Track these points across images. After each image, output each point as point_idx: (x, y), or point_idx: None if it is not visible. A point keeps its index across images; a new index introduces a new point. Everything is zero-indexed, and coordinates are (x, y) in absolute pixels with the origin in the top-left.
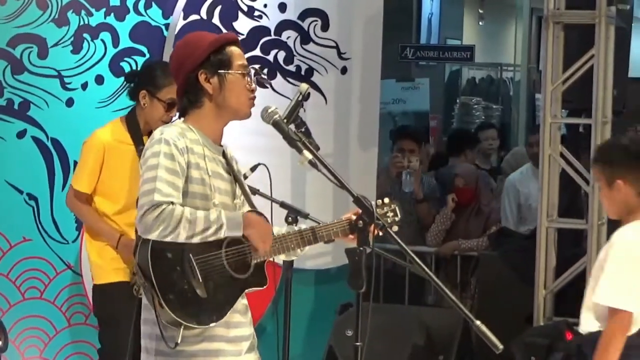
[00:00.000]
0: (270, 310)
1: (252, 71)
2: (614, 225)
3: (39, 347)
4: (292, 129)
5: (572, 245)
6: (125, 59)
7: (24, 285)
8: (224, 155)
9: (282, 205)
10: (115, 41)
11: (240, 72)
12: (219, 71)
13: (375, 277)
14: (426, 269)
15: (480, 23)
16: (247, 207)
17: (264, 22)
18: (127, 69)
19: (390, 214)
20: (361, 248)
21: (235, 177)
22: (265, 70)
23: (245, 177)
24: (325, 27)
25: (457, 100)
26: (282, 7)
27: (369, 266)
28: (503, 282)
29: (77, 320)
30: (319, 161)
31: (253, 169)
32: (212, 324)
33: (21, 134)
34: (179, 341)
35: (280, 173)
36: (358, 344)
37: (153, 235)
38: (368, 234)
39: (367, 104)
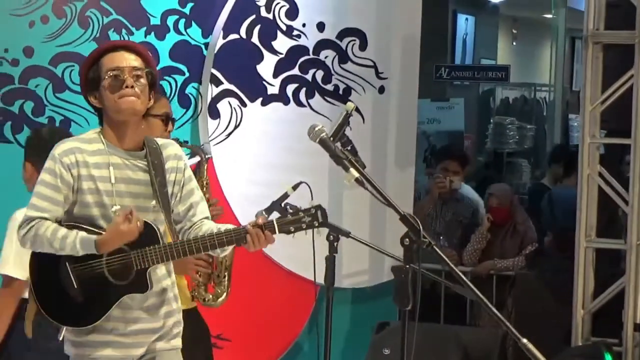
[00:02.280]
0: (306, 330)
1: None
2: None
3: None
4: (339, 147)
5: (611, 266)
6: (165, 77)
7: None
8: (148, 158)
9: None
10: (156, 60)
11: (108, 79)
12: (95, 87)
13: (414, 296)
14: (473, 287)
15: (514, 43)
16: (159, 216)
17: (302, 41)
18: (167, 87)
19: (306, 219)
20: (407, 266)
21: (155, 180)
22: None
23: (287, 195)
24: (363, 46)
25: (491, 120)
26: (321, 27)
27: (413, 285)
28: (540, 302)
29: None
30: (366, 179)
31: (295, 187)
32: (88, 326)
33: None
34: (60, 338)
35: (318, 192)
36: None
37: (26, 247)
38: (414, 252)
39: (404, 124)
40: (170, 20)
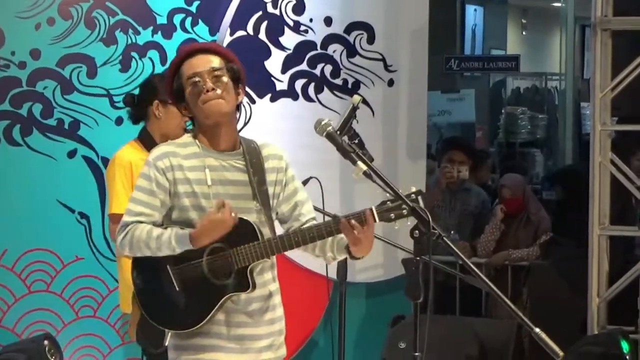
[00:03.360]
0: (321, 325)
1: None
2: None
3: None
4: (346, 140)
5: (625, 253)
6: None
7: (77, 304)
8: (245, 157)
9: (335, 218)
10: (163, 59)
11: (190, 87)
12: (181, 96)
13: (428, 290)
14: (484, 278)
15: (524, 33)
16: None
17: (310, 36)
18: None
19: (401, 208)
20: (418, 258)
21: (253, 179)
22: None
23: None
24: (371, 40)
25: (503, 111)
26: (328, 21)
27: (425, 277)
28: (555, 291)
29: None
30: (374, 172)
31: (305, 182)
32: (192, 329)
33: (72, 154)
34: (166, 343)
35: (329, 186)
36: (417, 354)
37: (125, 253)
38: (424, 244)
39: (414, 116)
40: (177, 19)
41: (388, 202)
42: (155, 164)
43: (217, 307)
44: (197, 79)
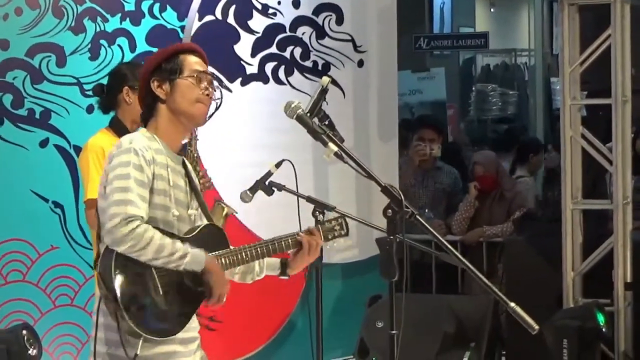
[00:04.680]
0: (299, 307)
1: (210, 78)
2: (636, 205)
3: (73, 354)
4: (316, 122)
5: (599, 226)
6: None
7: (54, 293)
8: (184, 165)
9: (309, 199)
10: (132, 46)
11: (191, 78)
12: (170, 77)
13: (403, 268)
14: (459, 255)
15: (492, 10)
16: (204, 220)
17: (278, 19)
18: None
19: (337, 227)
20: (391, 237)
21: (192, 188)
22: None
23: (271, 173)
24: (339, 21)
25: (473, 88)
26: (296, 4)
27: (400, 256)
28: (530, 266)
29: None
30: (345, 153)
31: (278, 165)
32: (171, 336)
33: (44, 143)
34: (138, 352)
35: (303, 169)
36: (393, 332)
37: (120, 249)
38: (397, 223)
39: (385, 96)
40: (145, 5)
41: (325, 224)
42: (143, 154)
43: (195, 313)
44: (203, 76)
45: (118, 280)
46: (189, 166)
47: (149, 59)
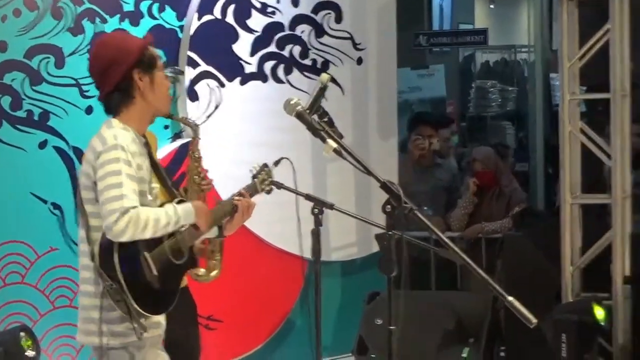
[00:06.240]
0: (298, 305)
1: (168, 70)
2: (635, 199)
3: (72, 355)
4: (315, 119)
5: (598, 221)
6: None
7: (53, 294)
8: (146, 144)
9: (308, 197)
10: None
11: (161, 71)
12: (149, 70)
13: (402, 264)
14: (458, 250)
15: (491, 6)
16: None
17: (277, 17)
18: None
19: (266, 176)
20: (390, 232)
21: (153, 164)
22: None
23: (266, 165)
24: (338, 19)
25: (473, 85)
26: (295, 2)
27: (399, 252)
28: (529, 261)
29: None
30: (344, 149)
31: (277, 163)
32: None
33: (42, 145)
34: (147, 331)
35: (302, 166)
36: (392, 327)
37: (124, 238)
38: (396, 218)
39: (384, 93)
40: (144, 6)
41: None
42: (128, 149)
43: (179, 286)
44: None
45: (123, 272)
46: (149, 142)
47: (123, 47)
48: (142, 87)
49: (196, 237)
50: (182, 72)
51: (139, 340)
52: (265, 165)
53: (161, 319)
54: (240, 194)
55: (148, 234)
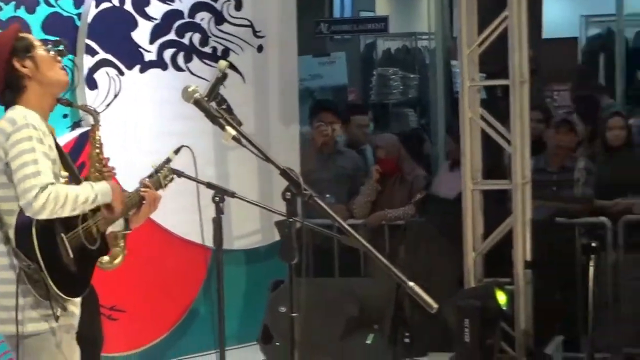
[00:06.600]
0: (201, 294)
1: (49, 46)
2: (535, 185)
3: None
4: (214, 106)
5: (499, 206)
6: None
7: None
8: (52, 133)
9: (209, 185)
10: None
11: (42, 49)
12: (28, 54)
13: (302, 251)
14: (359, 237)
15: None
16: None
17: (176, 5)
18: None
19: (168, 173)
20: (290, 220)
21: (60, 152)
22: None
23: (169, 160)
24: (238, 6)
25: (374, 72)
26: None
27: (300, 239)
28: (432, 247)
29: None
30: (243, 137)
31: (176, 151)
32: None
33: None
34: (59, 314)
35: (204, 155)
36: (294, 315)
37: (44, 215)
38: (296, 205)
39: (285, 81)
40: None
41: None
42: (39, 127)
43: (92, 272)
44: (48, 47)
45: (41, 252)
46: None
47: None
48: (28, 72)
49: (110, 223)
50: (62, 44)
51: (56, 321)
52: (168, 159)
53: (75, 309)
54: (145, 185)
55: (67, 211)
